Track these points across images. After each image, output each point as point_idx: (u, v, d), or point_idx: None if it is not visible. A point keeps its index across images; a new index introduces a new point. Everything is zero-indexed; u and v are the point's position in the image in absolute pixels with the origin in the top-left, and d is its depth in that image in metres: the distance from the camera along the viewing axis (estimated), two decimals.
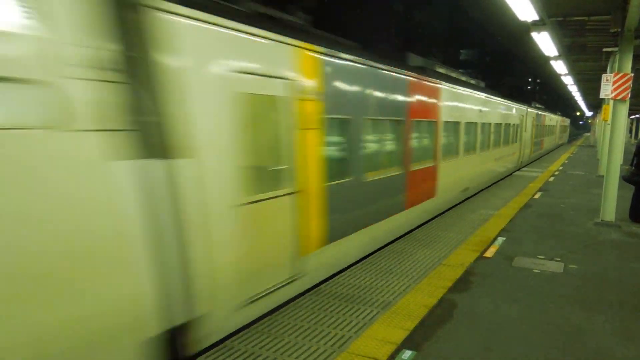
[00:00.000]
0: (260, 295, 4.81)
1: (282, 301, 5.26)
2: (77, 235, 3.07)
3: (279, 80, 4.93)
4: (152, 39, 3.52)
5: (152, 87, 3.55)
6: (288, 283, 5.25)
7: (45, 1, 2.87)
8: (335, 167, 6.16)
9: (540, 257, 7.03)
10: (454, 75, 11.83)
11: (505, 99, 16.39)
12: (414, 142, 8.55)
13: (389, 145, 7.78)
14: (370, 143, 7.16)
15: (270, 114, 4.91)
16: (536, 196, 12.72)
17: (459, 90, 11.05)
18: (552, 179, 16.81)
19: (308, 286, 5.75)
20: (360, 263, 6.60)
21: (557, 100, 61.84)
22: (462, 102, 11.42)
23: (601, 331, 4.64)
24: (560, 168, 20.88)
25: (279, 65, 4.94)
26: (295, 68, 5.19)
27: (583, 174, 18.48)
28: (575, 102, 46.47)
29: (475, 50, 46.14)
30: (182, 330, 3.92)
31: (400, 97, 7.85)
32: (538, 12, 8.76)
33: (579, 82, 25.03)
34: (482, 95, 13.24)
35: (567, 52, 14.19)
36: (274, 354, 4.08)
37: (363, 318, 4.82)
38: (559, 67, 17.33)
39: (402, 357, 4.05)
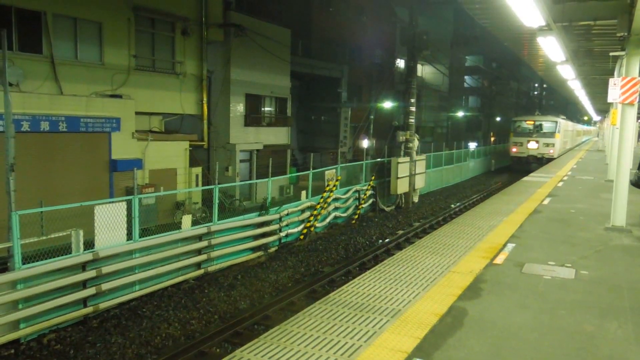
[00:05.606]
0: None
1: None
2: None
3: None
4: None
5: None
6: None
7: None
8: None
9: (550, 263, 6.97)
10: None
11: None
12: None
13: None
14: None
15: None
16: (545, 202, 12.63)
17: None
18: (561, 184, 16.69)
19: None
20: (369, 271, 6.58)
21: (565, 104, 61.59)
22: None
23: (614, 337, 4.58)
24: (569, 173, 20.73)
25: None
26: None
27: (592, 179, 18.33)
28: (583, 106, 46.27)
29: (480, 56, 46.17)
30: None
31: None
32: (544, 18, 8.75)
33: (586, 86, 24.91)
34: None
35: (574, 56, 14.14)
36: None
37: (373, 327, 4.79)
38: (566, 71, 17.24)
39: None
